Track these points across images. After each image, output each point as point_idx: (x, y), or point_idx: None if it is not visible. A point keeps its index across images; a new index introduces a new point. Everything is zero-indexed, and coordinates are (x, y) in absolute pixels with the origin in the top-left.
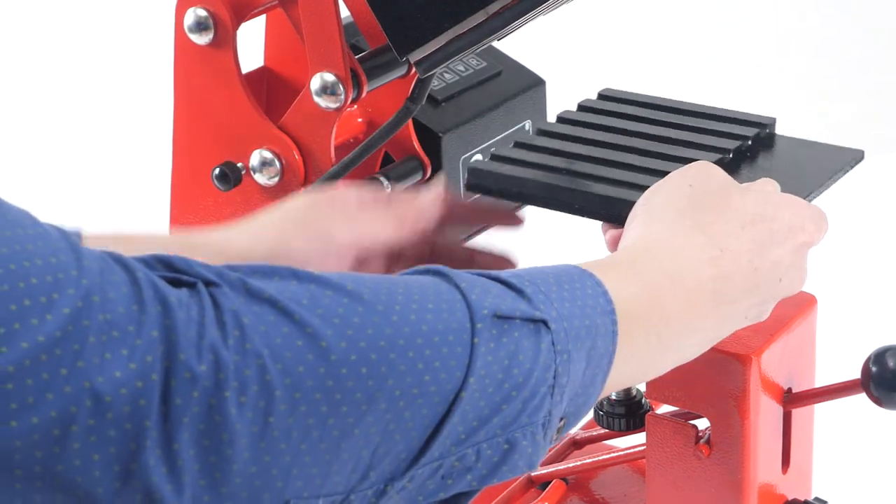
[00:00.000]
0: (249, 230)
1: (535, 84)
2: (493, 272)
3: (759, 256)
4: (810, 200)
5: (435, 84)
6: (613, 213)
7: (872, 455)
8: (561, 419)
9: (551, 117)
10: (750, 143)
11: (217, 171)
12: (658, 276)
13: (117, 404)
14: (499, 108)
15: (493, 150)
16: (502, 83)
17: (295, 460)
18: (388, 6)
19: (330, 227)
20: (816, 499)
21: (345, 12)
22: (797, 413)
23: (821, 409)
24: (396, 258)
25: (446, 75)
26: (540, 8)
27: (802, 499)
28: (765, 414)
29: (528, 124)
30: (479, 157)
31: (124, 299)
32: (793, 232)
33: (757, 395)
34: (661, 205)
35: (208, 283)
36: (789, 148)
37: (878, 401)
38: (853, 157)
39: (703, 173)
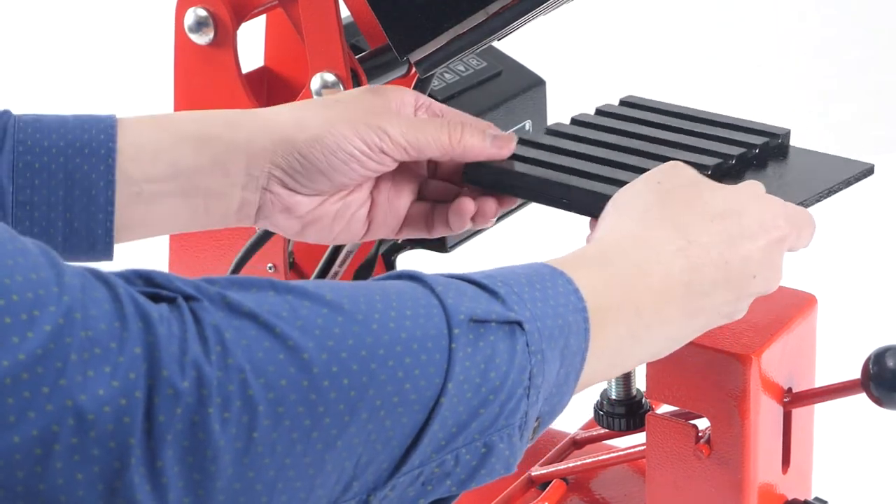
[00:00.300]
0: (294, 114)
1: (535, 84)
2: (466, 274)
3: (730, 249)
4: (808, 206)
5: (435, 84)
6: (599, 210)
7: (872, 455)
8: (536, 419)
9: (551, 117)
10: (757, 151)
11: None
12: (628, 268)
13: (101, 422)
14: (499, 108)
15: None
16: (502, 83)
17: (279, 475)
18: (388, 6)
19: (384, 126)
20: (816, 499)
21: (345, 12)
22: (797, 413)
23: (821, 409)
24: (432, 173)
25: (446, 75)
26: (540, 8)
27: (802, 499)
28: (765, 414)
29: (528, 124)
30: None
31: (106, 316)
32: (764, 228)
33: (757, 395)
34: (630, 201)
35: (188, 298)
36: (799, 158)
37: (878, 401)
38: (861, 170)
39: (672, 170)
